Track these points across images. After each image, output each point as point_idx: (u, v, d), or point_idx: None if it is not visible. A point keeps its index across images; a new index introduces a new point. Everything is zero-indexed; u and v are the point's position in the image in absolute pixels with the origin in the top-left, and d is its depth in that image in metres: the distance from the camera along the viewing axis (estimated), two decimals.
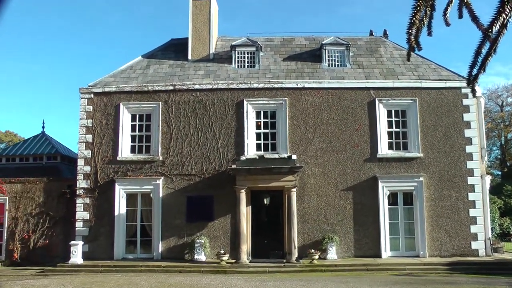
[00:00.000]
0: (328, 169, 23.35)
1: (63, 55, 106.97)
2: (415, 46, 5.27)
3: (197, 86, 24.01)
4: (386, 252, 22.96)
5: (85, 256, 23.05)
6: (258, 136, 23.96)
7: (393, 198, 23.66)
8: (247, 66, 25.26)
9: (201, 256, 22.40)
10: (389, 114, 24.10)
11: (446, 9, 5.12)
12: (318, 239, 22.95)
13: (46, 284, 17.87)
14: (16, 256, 24.66)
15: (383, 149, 23.61)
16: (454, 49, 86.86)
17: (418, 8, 4.96)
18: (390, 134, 24.03)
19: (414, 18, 5.00)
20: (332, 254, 22.47)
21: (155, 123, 24.01)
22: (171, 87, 24.05)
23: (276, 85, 23.95)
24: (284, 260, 21.77)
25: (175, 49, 26.72)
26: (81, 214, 23.84)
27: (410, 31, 5.13)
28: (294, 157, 22.71)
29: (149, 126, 24.33)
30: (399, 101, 24.04)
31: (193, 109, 23.76)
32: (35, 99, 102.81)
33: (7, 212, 25.51)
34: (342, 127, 23.69)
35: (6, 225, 25.37)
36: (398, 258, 22.69)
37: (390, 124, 24.08)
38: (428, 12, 5.09)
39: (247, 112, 23.68)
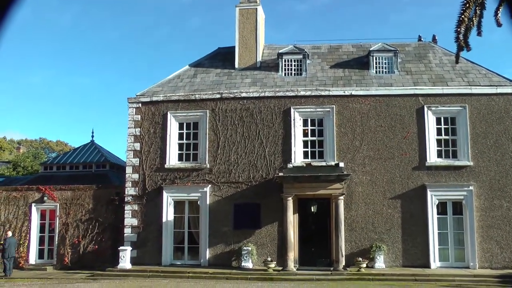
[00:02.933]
0: (376, 177, 24.25)
1: (112, 67, 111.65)
2: (463, 46, 5.15)
3: (244, 94, 25.32)
4: (435, 263, 23.51)
5: (133, 261, 24.96)
6: (305, 143, 25.16)
7: (442, 207, 24.29)
8: (294, 74, 26.44)
9: (248, 263, 23.71)
10: (438, 121, 24.84)
11: (497, 9, 4.89)
12: (365, 247, 23.86)
13: None
14: (67, 260, 27.02)
15: (432, 157, 24.36)
16: (505, 54, 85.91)
17: (467, 5, 4.83)
18: (439, 142, 24.74)
19: (463, 16, 4.88)
20: (380, 263, 23.30)
21: (202, 131, 25.67)
22: (218, 96, 25.44)
23: (323, 93, 25.03)
24: (331, 268, 22.71)
25: (222, 57, 28.36)
26: (130, 221, 25.67)
27: (458, 29, 4.98)
28: (341, 164, 23.80)
29: (196, 134, 26.06)
30: (448, 108, 24.74)
31: (240, 117, 25.01)
32: (85, 110, 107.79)
33: (58, 218, 27.95)
34: (390, 135, 24.55)
35: (57, 231, 27.83)
36: (447, 269, 23.11)
37: (439, 132, 24.79)
38: (478, 11, 4.95)
39: (294, 119, 24.90)
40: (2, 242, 25.82)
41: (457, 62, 5.66)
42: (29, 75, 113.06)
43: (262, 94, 25.53)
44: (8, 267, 24.74)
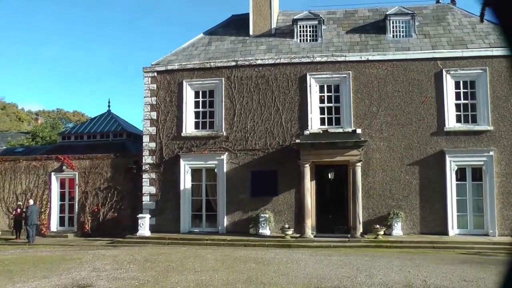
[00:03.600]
0: (394, 143, 24.37)
1: (127, 38, 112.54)
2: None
3: (259, 61, 25.46)
4: (453, 230, 23.63)
5: (152, 229, 25.65)
6: (321, 110, 25.32)
7: (461, 174, 24.25)
8: (310, 40, 26.43)
9: (265, 231, 24.13)
10: (457, 85, 24.65)
11: None
12: (383, 214, 24.09)
13: (116, 254, 19.84)
14: (87, 228, 28.05)
15: (451, 122, 24.32)
16: None
17: None
18: (458, 107, 24.57)
19: None
20: (398, 230, 23.55)
21: (218, 99, 25.96)
22: (233, 63, 25.64)
23: (339, 59, 25.08)
24: (349, 235, 22.99)
25: (236, 25, 28.56)
26: (148, 189, 26.27)
27: None
28: (358, 131, 24.06)
29: (212, 102, 26.35)
30: (468, 71, 24.48)
31: (255, 85, 25.16)
32: (101, 80, 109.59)
33: (77, 186, 28.94)
34: (408, 100, 24.56)
35: (76, 199, 28.80)
36: (466, 236, 23.12)
37: (458, 96, 24.58)
38: None
39: (310, 86, 25.02)
40: (24, 210, 26.52)
41: (482, 20, 5.39)
42: (46, 48, 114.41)
43: (278, 61, 25.60)
44: (31, 234, 25.77)
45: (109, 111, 35.70)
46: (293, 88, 25.30)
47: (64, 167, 28.84)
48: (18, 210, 28.24)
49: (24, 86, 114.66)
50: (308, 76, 25.20)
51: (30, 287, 12.92)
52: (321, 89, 25.46)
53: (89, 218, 28.17)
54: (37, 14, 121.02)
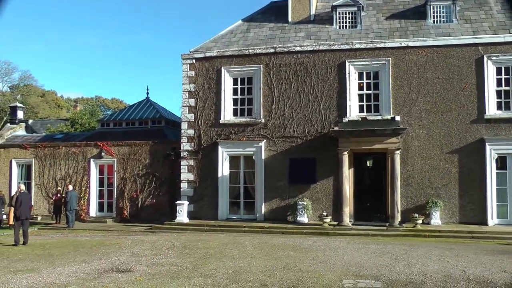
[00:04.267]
0: (433, 131, 24.36)
1: (165, 25, 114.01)
2: None
3: (298, 48, 25.62)
4: (492, 220, 23.47)
5: (190, 215, 26.26)
6: (360, 97, 25.41)
7: (501, 162, 24.08)
8: (349, 26, 26.48)
9: (303, 218, 24.40)
10: (498, 71, 24.27)
11: None
12: (421, 203, 24.12)
13: (155, 240, 20.39)
14: (126, 214, 29.03)
15: (491, 110, 24.11)
16: None
17: None
18: (499, 93, 24.21)
19: None
20: (436, 219, 23.50)
21: (257, 86, 26.29)
22: (272, 50, 25.82)
23: (378, 45, 25.11)
24: (387, 224, 23.14)
25: (275, 11, 28.74)
26: (186, 176, 26.80)
27: None
28: (397, 118, 24.09)
29: (250, 89, 26.72)
30: (510, 57, 24.18)
31: (294, 71, 25.37)
32: (139, 68, 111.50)
33: (116, 172, 29.87)
34: (448, 87, 24.49)
35: (115, 185, 29.73)
36: (506, 226, 22.87)
37: (499, 82, 24.23)
38: None
39: (349, 73, 25.22)
40: (63, 195, 27.25)
41: None
42: (86, 35, 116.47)
43: (317, 48, 25.74)
44: (71, 219, 26.78)
45: (147, 98, 36.46)
46: (331, 75, 25.42)
47: (103, 154, 29.67)
48: (58, 195, 29.08)
49: (63, 73, 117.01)
50: (347, 63, 25.31)
51: (71, 271, 13.36)
52: (360, 76, 25.54)
53: (128, 204, 28.93)
54: (78, 2, 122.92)
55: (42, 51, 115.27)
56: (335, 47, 25.57)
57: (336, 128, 24.11)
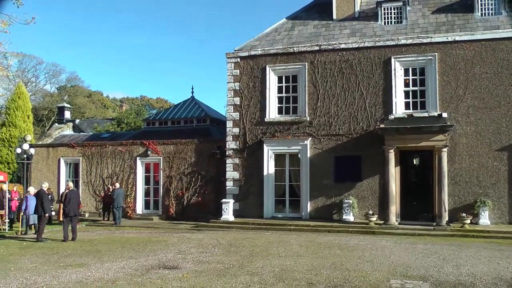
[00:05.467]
0: (481, 128, 24.20)
1: (208, 24, 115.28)
2: None
3: (343, 46, 25.82)
4: None
5: (236, 213, 26.94)
6: (406, 94, 25.46)
7: None
8: (394, 22, 26.50)
9: (349, 217, 24.61)
10: None
11: None
12: (469, 202, 23.95)
13: (201, 238, 20.93)
14: (172, 211, 29.99)
15: None
16: None
17: None
18: None
19: None
20: (485, 219, 23.19)
21: (302, 84, 26.70)
22: (316, 48, 26.11)
23: (425, 40, 25.08)
24: (434, 224, 23.12)
25: (319, 9, 29.13)
26: (231, 174, 27.50)
27: None
28: (444, 115, 23.94)
29: (295, 87, 27.17)
30: None
31: (339, 69, 25.57)
32: (183, 67, 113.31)
33: (161, 171, 30.87)
34: (497, 82, 24.29)
35: (161, 183, 30.73)
36: None
37: None
38: None
39: (394, 69, 25.34)
40: (111, 193, 27.92)
41: None
42: (130, 36, 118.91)
43: (362, 45, 25.93)
44: (118, 216, 27.86)
45: (192, 97, 37.31)
46: (377, 72, 25.53)
47: (149, 152, 30.46)
48: (104, 193, 29.87)
49: (108, 74, 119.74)
50: (392, 59, 25.41)
51: (119, 267, 13.92)
52: (406, 72, 25.57)
53: (174, 202, 29.64)
54: (121, 4, 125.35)
55: (87, 53, 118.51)
56: (381, 43, 25.71)
57: (382, 126, 24.16)
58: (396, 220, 24.05)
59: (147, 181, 31.71)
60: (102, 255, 16.30)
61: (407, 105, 25.34)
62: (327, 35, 27.29)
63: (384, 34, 26.27)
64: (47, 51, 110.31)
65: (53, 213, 27.39)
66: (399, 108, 25.17)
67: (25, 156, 29.42)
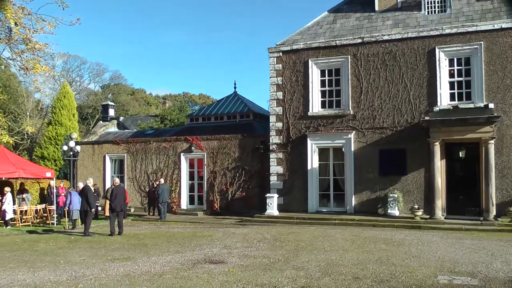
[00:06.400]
0: None
1: (250, 18, 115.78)
2: None
3: (386, 37, 25.89)
4: None
5: (280, 208, 27.38)
6: (451, 85, 25.35)
7: None
8: (438, 11, 26.37)
9: (394, 211, 24.75)
10: None
11: None
12: None
13: (246, 233, 21.21)
14: (216, 206, 30.64)
15: None
16: None
17: None
18: None
19: None
20: None
21: (345, 77, 26.96)
22: (359, 40, 26.20)
23: (470, 29, 24.92)
24: (481, 218, 22.88)
25: (361, 1, 29.59)
26: (275, 168, 27.96)
27: None
28: (491, 106, 23.50)
29: (338, 81, 27.48)
30: None
31: (382, 61, 25.67)
32: (225, 63, 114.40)
33: (205, 166, 31.58)
34: None
35: (205, 178, 31.51)
36: None
37: None
38: None
39: (439, 60, 25.27)
40: (155, 188, 28.39)
41: None
42: (172, 34, 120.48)
43: (405, 36, 25.88)
44: (163, 211, 28.68)
45: (235, 92, 37.80)
46: (421, 63, 25.45)
47: (193, 148, 30.98)
48: (149, 188, 30.47)
49: (151, 71, 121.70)
50: (436, 50, 25.28)
51: (165, 261, 14.25)
52: (451, 62, 25.38)
53: (218, 197, 30.07)
54: (163, 1, 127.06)
55: (130, 52, 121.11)
56: (424, 33, 25.57)
57: (426, 118, 24.02)
58: (442, 215, 23.92)
59: (191, 176, 32.50)
60: (149, 249, 16.84)
61: (452, 96, 25.15)
62: (370, 27, 27.37)
63: (427, 24, 26.12)
64: (91, 51, 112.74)
65: (99, 208, 28.19)
66: (444, 100, 25.03)
67: (71, 153, 30.38)
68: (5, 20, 12.06)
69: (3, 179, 26.24)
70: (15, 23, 11.84)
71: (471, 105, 24.02)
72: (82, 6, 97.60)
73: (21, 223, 26.02)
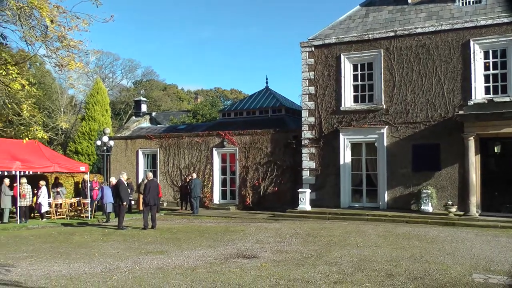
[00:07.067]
0: None
1: (281, 13, 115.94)
2: None
3: (419, 30, 25.72)
4: None
5: (312, 203, 27.67)
6: (486, 78, 25.05)
7: None
8: (472, 2, 26.29)
9: (427, 207, 24.52)
10: None
11: None
12: None
13: (278, 228, 21.39)
14: (249, 201, 30.99)
15: None
16: None
17: None
18: None
19: None
20: None
21: (377, 71, 27.00)
22: (392, 34, 26.16)
23: (506, 20, 24.69)
24: None
25: None
26: (307, 163, 28.15)
27: None
28: None
29: (371, 75, 27.51)
30: None
31: (415, 54, 25.57)
32: (256, 58, 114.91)
33: (237, 161, 31.95)
34: None
35: (237, 173, 31.86)
36: None
37: None
38: None
39: (473, 52, 25.11)
40: (187, 183, 28.64)
41: None
42: (203, 29, 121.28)
43: (439, 28, 25.67)
44: (195, 206, 29.14)
45: (267, 87, 38.01)
46: (455, 56, 25.21)
47: (225, 143, 31.21)
48: (182, 183, 30.83)
49: (182, 67, 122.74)
50: (471, 42, 24.97)
51: (198, 255, 14.57)
52: (486, 55, 25.05)
53: (250, 192, 30.28)
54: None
55: (162, 48, 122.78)
56: (458, 25, 25.29)
57: (460, 112, 23.91)
58: (477, 211, 23.73)
59: (223, 171, 32.93)
60: (182, 243, 17.21)
61: (487, 90, 24.85)
62: (403, 20, 27.25)
63: (462, 16, 25.84)
64: (123, 47, 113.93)
65: (132, 202, 28.58)
66: (478, 93, 24.75)
67: (104, 148, 30.90)
68: (40, 18, 12.27)
69: (38, 173, 26.98)
70: (51, 21, 12.03)
71: (507, 99, 23.80)
72: (114, 3, 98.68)
73: (56, 216, 26.81)
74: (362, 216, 24.44)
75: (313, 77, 28.21)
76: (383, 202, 26.29)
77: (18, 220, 24.43)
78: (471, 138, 23.52)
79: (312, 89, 28.22)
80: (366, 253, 14.35)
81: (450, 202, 23.95)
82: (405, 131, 26.02)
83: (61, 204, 27.38)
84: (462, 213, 23.53)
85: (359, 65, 27.51)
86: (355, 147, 27.40)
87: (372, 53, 26.96)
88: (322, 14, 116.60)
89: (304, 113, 28.49)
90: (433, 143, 25.24)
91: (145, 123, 42.83)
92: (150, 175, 23.38)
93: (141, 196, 24.96)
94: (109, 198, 24.42)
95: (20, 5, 12.15)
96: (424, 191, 24.64)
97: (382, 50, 26.66)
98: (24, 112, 15.77)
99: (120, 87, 74.65)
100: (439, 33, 25.66)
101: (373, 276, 11.25)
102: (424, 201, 24.50)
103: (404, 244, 16.03)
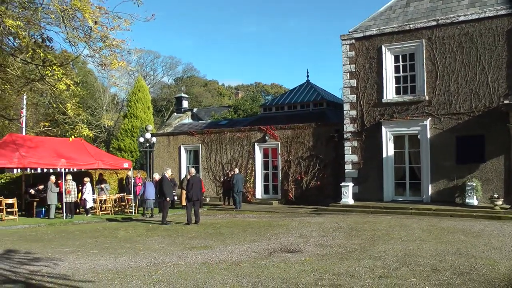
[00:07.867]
0: None
1: (321, 6, 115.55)
2: None
3: (462, 18, 25.49)
4: None
5: (355, 197, 27.82)
6: None
7: None
8: None
9: (472, 200, 24.19)
10: None
11: None
12: None
13: (321, 222, 21.35)
14: (291, 196, 31.19)
15: None
16: None
17: None
18: None
19: None
20: None
21: (419, 62, 26.93)
22: (433, 23, 25.98)
23: None
24: None
25: None
26: (350, 157, 28.24)
27: None
28: None
29: (412, 66, 27.43)
30: None
31: (458, 43, 25.30)
32: (296, 52, 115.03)
33: (279, 155, 32.19)
34: None
35: (280, 168, 32.10)
36: None
37: None
38: None
39: None
40: (230, 178, 28.87)
41: None
42: (243, 24, 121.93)
43: (482, 15, 25.35)
44: (238, 201, 29.64)
45: (308, 81, 38.08)
46: (500, 44, 24.78)
47: (266, 138, 31.36)
48: (224, 178, 31.20)
49: (223, 63, 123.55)
50: None
51: (242, 250, 14.62)
52: None
53: (292, 186, 30.39)
54: None
55: (202, 44, 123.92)
56: (503, 11, 24.70)
57: (506, 102, 23.58)
58: None
59: (265, 166, 33.39)
60: (225, 238, 17.48)
61: None
62: (445, 8, 26.93)
63: (506, 1, 25.12)
64: (164, 45, 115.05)
65: (175, 197, 28.94)
66: None
67: (147, 144, 31.37)
68: (83, 20, 12.53)
69: (83, 170, 27.59)
70: (95, 22, 12.28)
71: None
72: (154, 1, 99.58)
73: (101, 211, 27.77)
74: (405, 210, 24.28)
75: (354, 70, 28.22)
76: (426, 195, 26.08)
77: (64, 215, 25.41)
78: None
79: (353, 82, 28.26)
80: (411, 247, 14.26)
81: (496, 195, 23.60)
82: (449, 122, 25.77)
83: (105, 200, 28.31)
84: (508, 206, 23.17)
85: (400, 56, 27.38)
86: (398, 140, 27.33)
87: (413, 44, 26.75)
88: (363, 5, 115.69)
89: (346, 106, 28.52)
90: (478, 134, 24.82)
91: (186, 119, 43.47)
92: (193, 171, 23.76)
93: (184, 192, 25.35)
94: (150, 194, 25.14)
95: (63, 8, 12.45)
96: (468, 183, 24.24)
97: (424, 40, 26.43)
98: (69, 111, 16.23)
99: (161, 84, 75.99)
100: (482, 20, 25.16)
101: (418, 271, 11.15)
102: (469, 194, 24.06)
103: (449, 238, 15.84)
